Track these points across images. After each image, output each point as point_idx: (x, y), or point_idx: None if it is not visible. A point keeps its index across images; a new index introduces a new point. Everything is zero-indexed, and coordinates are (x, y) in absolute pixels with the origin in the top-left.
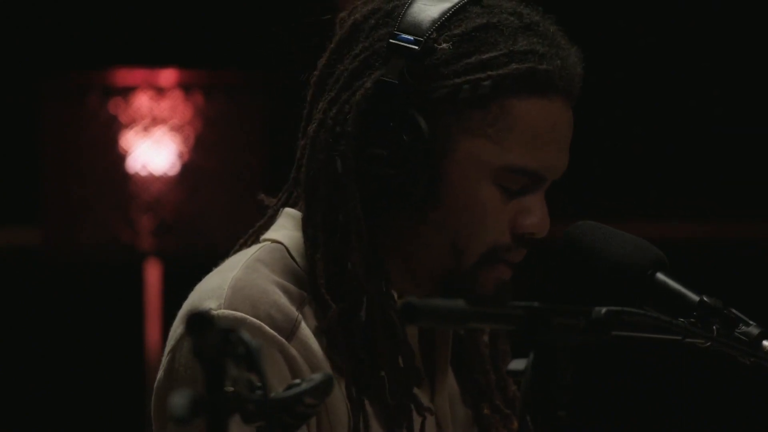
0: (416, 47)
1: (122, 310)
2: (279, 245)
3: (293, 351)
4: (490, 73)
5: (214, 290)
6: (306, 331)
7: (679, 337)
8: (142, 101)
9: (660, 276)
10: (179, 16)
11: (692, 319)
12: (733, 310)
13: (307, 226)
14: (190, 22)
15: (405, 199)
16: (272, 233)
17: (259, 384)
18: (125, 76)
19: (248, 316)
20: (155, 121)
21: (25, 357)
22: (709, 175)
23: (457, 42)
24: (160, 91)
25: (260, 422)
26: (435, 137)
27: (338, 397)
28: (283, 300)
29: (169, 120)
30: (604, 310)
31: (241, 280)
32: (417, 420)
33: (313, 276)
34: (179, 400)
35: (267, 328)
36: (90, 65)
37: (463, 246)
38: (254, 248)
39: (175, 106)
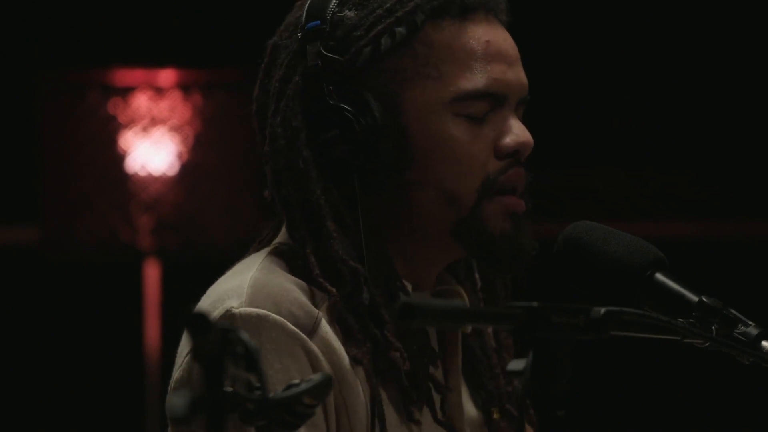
0: (324, 26)
1: (121, 309)
2: (289, 247)
3: (314, 347)
4: (398, 15)
5: (233, 289)
6: (326, 327)
7: (678, 337)
8: (141, 101)
9: (659, 276)
10: (178, 15)
11: (691, 320)
12: (733, 311)
13: (290, 229)
14: (188, 21)
15: (376, 171)
16: (281, 236)
17: (257, 384)
18: (124, 76)
19: (270, 313)
20: (154, 121)
21: (23, 355)
22: (709, 174)
23: (359, 5)
24: (159, 92)
25: (259, 422)
26: (379, 101)
27: (357, 389)
28: (303, 298)
29: (168, 120)
30: (603, 310)
31: (260, 279)
32: (436, 398)
33: (308, 269)
34: (178, 400)
35: (289, 324)
36: (89, 65)
37: (453, 190)
38: (265, 251)
39: (174, 106)
